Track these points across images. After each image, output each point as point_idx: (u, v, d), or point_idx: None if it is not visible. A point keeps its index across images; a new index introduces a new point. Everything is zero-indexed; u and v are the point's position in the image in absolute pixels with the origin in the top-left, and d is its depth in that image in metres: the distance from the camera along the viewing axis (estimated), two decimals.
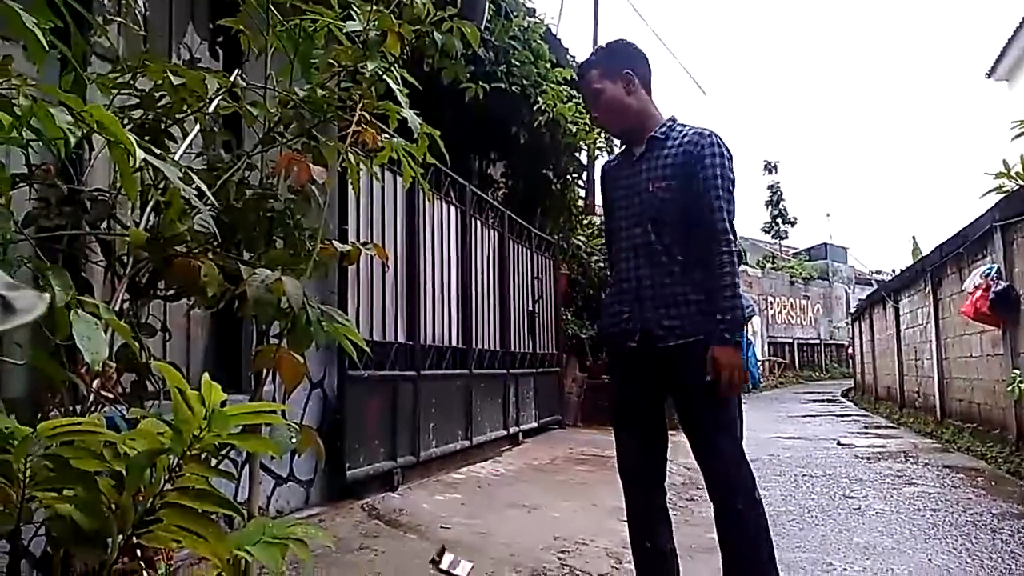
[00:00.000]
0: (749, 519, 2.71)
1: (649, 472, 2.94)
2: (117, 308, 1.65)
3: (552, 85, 7.78)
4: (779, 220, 40.12)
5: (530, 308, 8.73)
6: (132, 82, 2.03)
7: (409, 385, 5.48)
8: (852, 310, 26.07)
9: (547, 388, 9.12)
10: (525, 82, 7.40)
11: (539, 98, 7.61)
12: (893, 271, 25.00)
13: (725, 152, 2.79)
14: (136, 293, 1.84)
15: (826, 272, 34.93)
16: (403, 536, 4.04)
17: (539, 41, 7.71)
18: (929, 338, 11.32)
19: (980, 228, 8.73)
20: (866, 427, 12.28)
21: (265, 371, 1.97)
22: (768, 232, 39.75)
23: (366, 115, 2.09)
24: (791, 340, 30.65)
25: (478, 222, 7.16)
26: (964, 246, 9.36)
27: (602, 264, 11.69)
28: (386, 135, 2.36)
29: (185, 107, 1.96)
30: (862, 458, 8.35)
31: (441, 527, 4.28)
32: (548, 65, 7.80)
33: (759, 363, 20.69)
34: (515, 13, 7.26)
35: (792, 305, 31.29)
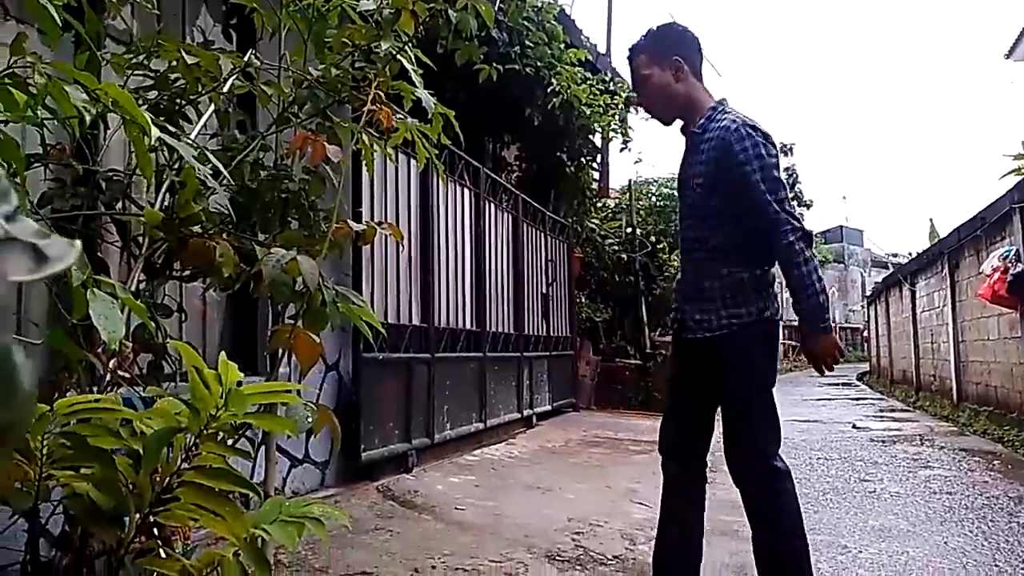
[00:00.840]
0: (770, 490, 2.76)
1: (684, 452, 2.93)
2: (133, 288, 1.65)
3: (566, 67, 7.72)
4: (795, 203, 39.82)
5: (544, 291, 8.71)
6: (146, 63, 2.02)
7: (423, 368, 5.49)
8: (868, 293, 25.92)
9: (561, 371, 9.12)
10: (539, 63, 7.35)
11: (553, 80, 7.56)
12: (909, 254, 24.81)
13: (757, 140, 2.69)
14: (152, 274, 1.84)
15: (841, 255, 34.71)
16: (418, 517, 4.06)
17: (553, 22, 7.64)
18: (946, 321, 11.24)
19: (999, 210, 8.63)
20: (881, 410, 12.22)
21: (281, 352, 1.97)
22: None
23: (380, 94, 2.07)
24: None
25: (492, 205, 7.14)
26: (982, 228, 9.27)
27: (616, 247, 11.67)
28: (400, 116, 2.35)
29: (199, 87, 1.96)
30: (877, 441, 8.31)
31: (456, 508, 4.29)
32: (562, 46, 7.74)
33: None
34: None
35: None
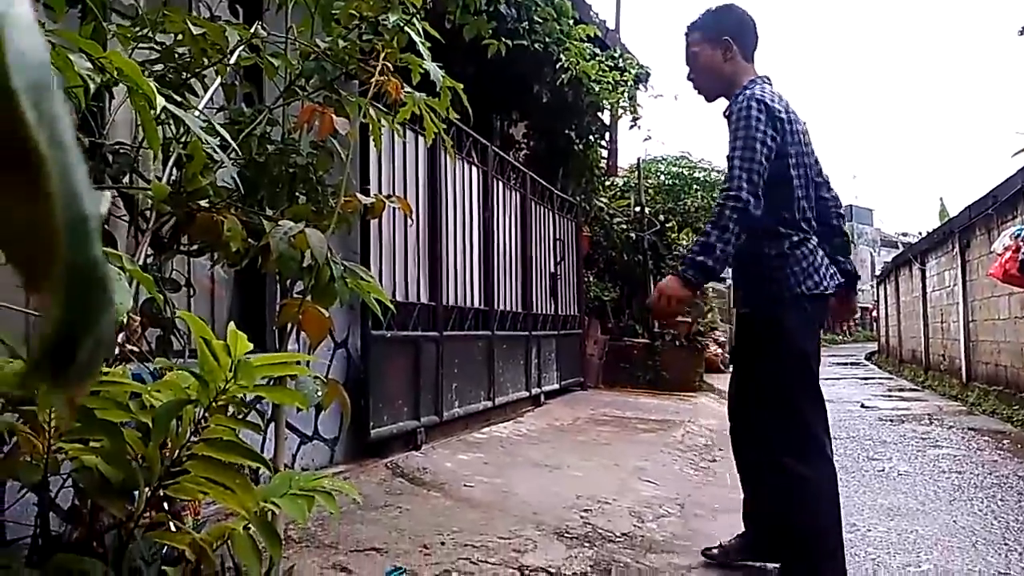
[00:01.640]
0: (770, 482, 2.91)
1: (741, 416, 3.16)
2: (140, 262, 1.64)
3: (575, 43, 7.65)
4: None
5: (552, 270, 8.69)
6: (152, 35, 2.00)
7: (432, 346, 5.49)
8: (877, 273, 25.80)
9: (569, 350, 9.12)
10: (548, 39, 7.28)
11: (562, 56, 7.49)
12: (919, 233, 24.67)
13: (742, 110, 2.79)
14: (159, 248, 1.83)
15: (851, 234, 34.56)
16: (427, 494, 4.07)
17: None
18: (956, 300, 11.19)
19: (1011, 188, 8.56)
20: (890, 390, 12.21)
21: (289, 328, 1.96)
22: None
23: (389, 65, 2.05)
24: None
25: (500, 183, 7.11)
26: (994, 207, 9.19)
27: (624, 226, 11.63)
28: (407, 91, 2.33)
29: (205, 60, 1.93)
30: (886, 420, 8.30)
31: (464, 485, 4.30)
32: (571, 22, 7.66)
33: None
34: None
35: None
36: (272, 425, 2.43)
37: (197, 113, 1.62)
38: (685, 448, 6.20)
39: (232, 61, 1.96)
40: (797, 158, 2.87)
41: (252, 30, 2.03)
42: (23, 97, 0.32)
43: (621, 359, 10.62)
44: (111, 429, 1.19)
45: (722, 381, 12.06)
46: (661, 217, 11.95)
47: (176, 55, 2.03)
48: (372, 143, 2.70)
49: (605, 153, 10.74)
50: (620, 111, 9.36)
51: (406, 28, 2.15)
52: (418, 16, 2.26)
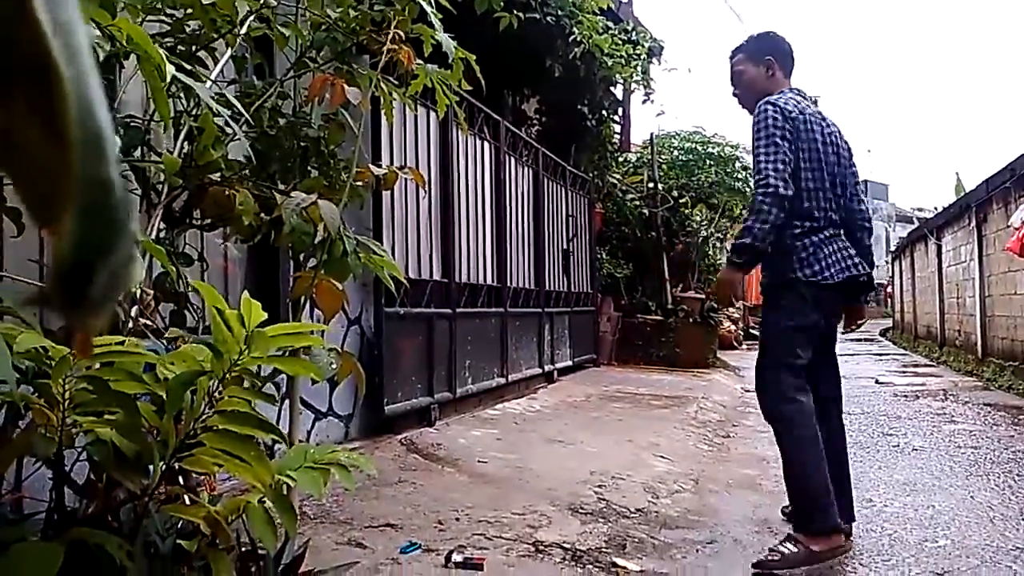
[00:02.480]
0: (776, 431, 3.26)
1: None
2: (153, 237, 1.63)
3: (587, 16, 7.55)
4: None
5: (565, 247, 8.66)
6: (161, 7, 1.97)
7: (445, 323, 5.48)
8: (892, 249, 25.62)
9: (582, 327, 9.10)
10: (560, 12, 7.19)
11: (574, 29, 7.40)
12: (935, 208, 24.42)
13: (759, 114, 3.22)
14: (172, 222, 1.81)
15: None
16: (441, 470, 4.08)
17: None
18: (972, 275, 11.09)
19: None
20: (905, 366, 12.15)
21: (303, 302, 1.95)
22: None
23: (401, 34, 2.02)
24: None
25: (512, 159, 7.07)
26: (1011, 180, 9.08)
27: (637, 202, 11.56)
28: (419, 63, 2.29)
29: (216, 31, 1.91)
30: (901, 396, 8.26)
31: (478, 461, 4.30)
32: None
33: None
34: None
35: None
36: (287, 402, 2.43)
37: (208, 84, 1.60)
38: (699, 424, 6.19)
39: (242, 32, 1.93)
40: (810, 154, 3.21)
41: (262, 0, 2.00)
42: (37, 2, 0.30)
43: (634, 336, 10.60)
44: (126, 401, 1.18)
45: (736, 358, 12.03)
46: (675, 193, 11.87)
47: (186, 28, 2.01)
48: (383, 117, 2.67)
49: (618, 128, 10.64)
50: (633, 85, 9.26)
51: None
52: None
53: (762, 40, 3.51)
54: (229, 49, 1.97)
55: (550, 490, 3.80)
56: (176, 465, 1.34)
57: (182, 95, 1.73)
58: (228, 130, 1.65)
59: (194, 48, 2.00)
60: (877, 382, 9.54)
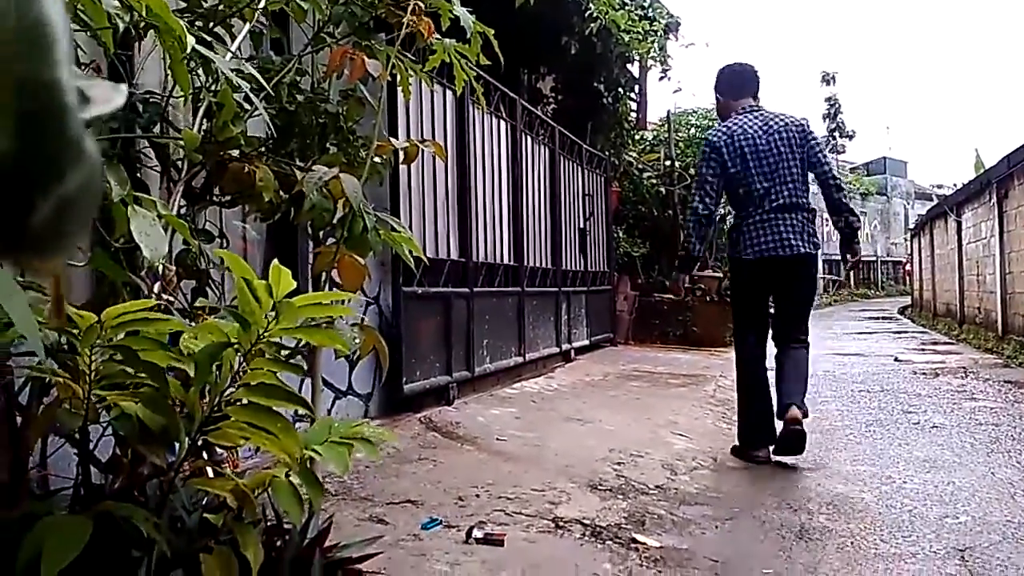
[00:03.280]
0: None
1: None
2: (175, 213, 1.63)
3: None
4: (836, 134, 38.89)
5: (581, 226, 8.63)
6: None
7: (462, 302, 5.48)
8: (911, 226, 25.39)
9: (598, 306, 9.09)
10: None
11: (590, 5, 7.33)
12: (954, 185, 24.17)
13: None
14: (192, 199, 1.81)
15: (884, 187, 33.92)
16: (460, 448, 4.09)
17: None
18: (992, 252, 10.97)
19: None
20: (924, 343, 12.05)
21: (324, 280, 1.94)
22: (825, 147, 38.69)
23: (420, 4, 2.00)
24: None
25: (528, 138, 7.03)
26: None
27: (654, 181, 11.49)
28: (437, 38, 2.28)
29: (233, 3, 1.90)
30: (920, 374, 8.20)
31: (497, 439, 4.32)
32: None
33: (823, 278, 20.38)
34: None
35: None
36: (307, 381, 2.44)
37: (228, 56, 1.59)
38: (717, 403, 6.18)
39: (260, 5, 1.92)
40: (742, 162, 4.21)
41: None
42: None
43: (651, 315, 10.57)
44: (154, 370, 1.18)
45: None
46: (692, 171, 11.78)
47: (203, 3, 2.00)
48: (400, 95, 2.66)
49: (634, 106, 10.56)
50: (650, 62, 9.18)
51: None
52: None
53: (716, 76, 4.57)
54: (247, 24, 1.96)
55: (569, 467, 3.80)
56: (200, 440, 1.35)
57: (200, 71, 1.72)
58: (247, 106, 1.64)
59: (211, 24, 1.99)
60: (896, 360, 9.47)
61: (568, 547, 2.76)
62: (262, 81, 1.53)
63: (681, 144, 12.22)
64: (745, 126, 4.27)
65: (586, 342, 8.52)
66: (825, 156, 4.46)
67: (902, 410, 5.95)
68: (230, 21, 2.00)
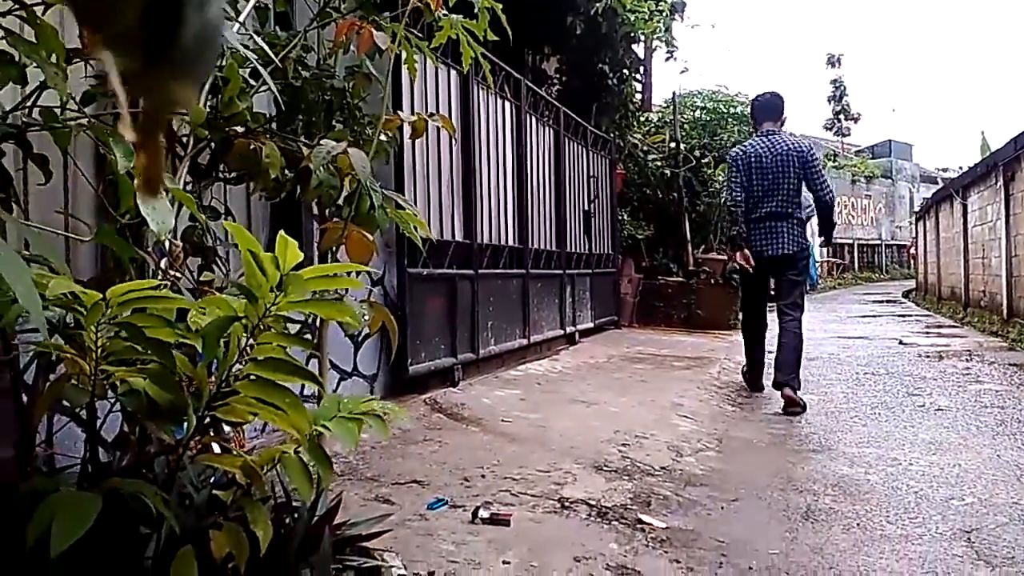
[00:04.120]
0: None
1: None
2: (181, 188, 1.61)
3: None
4: (841, 117, 38.76)
5: (586, 208, 8.60)
6: None
7: (467, 284, 5.47)
8: (916, 209, 25.30)
9: (603, 288, 9.07)
10: None
11: None
12: (959, 168, 24.04)
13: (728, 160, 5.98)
14: (198, 175, 1.80)
15: (889, 170, 33.77)
16: (466, 429, 4.09)
17: None
18: (998, 235, 10.92)
19: None
20: (928, 327, 12.02)
21: (331, 256, 1.93)
22: (830, 129, 38.50)
23: None
24: (851, 241, 29.97)
25: (533, 119, 6.99)
26: None
27: (659, 163, 11.44)
28: (444, 14, 2.25)
29: None
30: (925, 357, 8.18)
31: (502, 421, 4.32)
32: None
33: (817, 264, 20.33)
34: None
35: (853, 205, 30.46)
36: (314, 361, 2.43)
37: (236, 27, 1.57)
38: (721, 385, 6.18)
39: None
40: (752, 175, 5.54)
41: None
42: None
43: (655, 297, 10.55)
44: (160, 347, 1.17)
45: None
46: (696, 153, 11.74)
47: None
48: (405, 72, 2.63)
49: (639, 88, 10.50)
50: (655, 43, 9.13)
51: None
52: None
53: (751, 104, 6.25)
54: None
55: (574, 448, 3.80)
56: (208, 417, 1.34)
57: None
58: (252, 82, 1.62)
59: None
60: (901, 343, 9.45)
61: (574, 527, 2.76)
62: (270, 54, 1.51)
63: (686, 126, 12.15)
64: (757, 147, 5.61)
65: (590, 324, 8.51)
66: (820, 176, 5.62)
67: (907, 393, 5.95)
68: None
